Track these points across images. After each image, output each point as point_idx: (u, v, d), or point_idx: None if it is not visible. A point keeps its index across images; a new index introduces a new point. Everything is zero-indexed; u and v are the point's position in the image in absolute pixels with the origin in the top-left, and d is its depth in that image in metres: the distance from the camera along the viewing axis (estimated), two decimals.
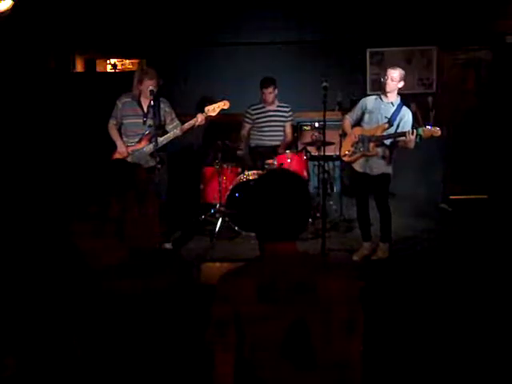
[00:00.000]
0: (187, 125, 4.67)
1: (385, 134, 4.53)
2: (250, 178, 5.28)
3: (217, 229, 5.30)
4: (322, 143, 4.75)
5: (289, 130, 5.85)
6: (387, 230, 4.69)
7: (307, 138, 6.14)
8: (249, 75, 6.29)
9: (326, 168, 5.28)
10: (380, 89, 4.79)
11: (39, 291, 1.48)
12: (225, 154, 5.57)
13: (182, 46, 6.97)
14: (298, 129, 6.64)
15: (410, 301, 3.72)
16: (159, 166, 4.37)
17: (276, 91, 5.70)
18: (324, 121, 4.52)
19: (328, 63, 6.68)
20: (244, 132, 5.90)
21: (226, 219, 5.32)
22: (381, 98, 4.60)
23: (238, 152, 5.82)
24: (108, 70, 7.85)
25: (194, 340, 1.54)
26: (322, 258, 3.51)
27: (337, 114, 5.90)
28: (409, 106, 4.66)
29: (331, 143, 5.40)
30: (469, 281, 4.07)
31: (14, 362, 1.43)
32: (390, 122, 4.51)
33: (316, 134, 5.61)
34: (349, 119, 4.79)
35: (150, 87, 4.43)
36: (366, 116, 4.66)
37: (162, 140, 4.60)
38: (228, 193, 5.30)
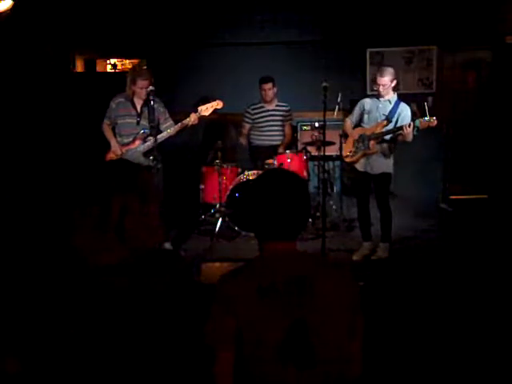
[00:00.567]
0: (180, 124, 4.69)
1: (383, 130, 4.55)
2: (250, 177, 5.29)
3: (217, 229, 5.30)
4: (322, 143, 4.76)
5: (288, 129, 5.86)
6: (387, 229, 4.70)
7: (307, 138, 6.14)
8: (249, 75, 6.29)
9: (326, 168, 5.28)
10: None
11: (38, 291, 1.48)
12: (225, 154, 5.58)
13: (181, 46, 6.98)
14: (297, 129, 6.65)
15: (410, 301, 3.72)
16: (159, 166, 4.39)
17: (275, 89, 5.70)
18: (324, 121, 4.53)
19: (328, 63, 6.68)
20: (244, 132, 5.91)
21: (226, 219, 5.32)
22: (377, 98, 4.62)
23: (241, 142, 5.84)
24: (108, 70, 7.85)
25: (193, 340, 1.54)
26: (321, 257, 3.52)
27: (337, 114, 5.89)
28: (406, 103, 4.66)
29: (331, 143, 5.40)
30: (469, 281, 4.07)
31: (16, 361, 1.43)
32: (389, 119, 4.54)
33: (316, 133, 5.61)
34: (349, 121, 4.83)
35: (150, 87, 4.43)
36: (365, 117, 4.70)
37: (155, 139, 4.63)
38: (228, 193, 5.31)
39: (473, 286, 3.96)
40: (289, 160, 5.35)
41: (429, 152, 6.64)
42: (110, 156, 4.68)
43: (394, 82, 4.55)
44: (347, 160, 4.86)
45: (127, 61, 7.76)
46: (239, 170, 5.59)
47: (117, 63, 7.83)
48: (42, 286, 1.49)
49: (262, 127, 5.79)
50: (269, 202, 1.59)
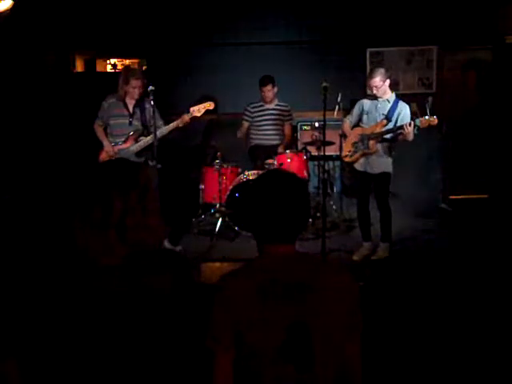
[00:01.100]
0: (173, 124, 4.70)
1: (383, 129, 4.55)
2: (250, 178, 5.28)
3: (217, 229, 5.30)
4: (322, 143, 4.76)
5: (288, 129, 5.86)
6: (387, 229, 4.69)
7: (307, 138, 6.14)
8: (249, 75, 6.29)
9: (326, 168, 5.28)
10: None
11: (38, 291, 1.48)
12: (225, 154, 5.58)
13: (181, 46, 6.97)
14: (297, 129, 6.65)
15: (410, 301, 3.72)
16: (159, 166, 4.39)
17: (275, 89, 5.70)
18: (324, 121, 4.52)
19: (328, 63, 6.68)
20: (243, 130, 5.90)
21: (226, 219, 5.32)
22: (376, 98, 4.62)
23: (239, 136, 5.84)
24: (108, 70, 7.85)
25: (193, 340, 1.54)
26: (321, 258, 3.52)
27: (337, 113, 5.90)
28: (404, 101, 4.67)
29: (331, 143, 5.40)
30: (469, 281, 4.06)
31: (15, 363, 1.43)
32: (388, 118, 4.54)
33: (316, 133, 5.61)
34: (348, 121, 4.83)
35: (150, 87, 4.44)
36: (364, 117, 4.70)
37: (148, 139, 4.64)
38: (228, 193, 5.30)
39: (473, 286, 3.96)
40: (289, 160, 5.35)
41: (429, 152, 6.64)
42: (103, 156, 4.70)
43: (387, 81, 4.55)
44: (346, 160, 4.86)
45: (127, 61, 7.76)
46: (239, 169, 5.59)
47: (117, 63, 7.83)
48: (42, 287, 1.49)
49: (260, 126, 5.80)
50: (267, 205, 1.58)
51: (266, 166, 5.39)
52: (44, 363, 1.42)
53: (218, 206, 5.43)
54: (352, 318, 1.54)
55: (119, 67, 7.79)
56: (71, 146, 6.33)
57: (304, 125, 6.63)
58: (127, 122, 4.71)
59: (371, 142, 4.58)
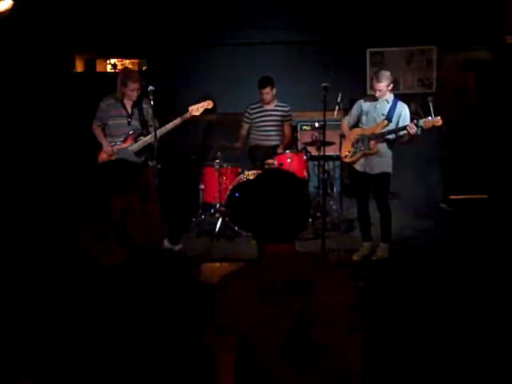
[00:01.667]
0: (171, 124, 4.70)
1: (385, 130, 4.54)
2: (250, 177, 5.28)
3: (217, 229, 5.30)
4: (322, 143, 4.75)
5: (287, 130, 5.85)
6: (387, 229, 4.69)
7: (307, 138, 6.14)
8: (249, 75, 6.29)
9: (326, 168, 5.27)
10: None
11: (38, 292, 1.48)
12: (225, 153, 5.58)
13: (181, 46, 6.97)
14: (297, 129, 6.65)
15: (410, 301, 3.72)
16: (159, 166, 4.40)
17: (274, 90, 5.70)
18: (324, 121, 4.52)
19: (328, 63, 6.68)
20: (243, 131, 5.91)
21: (226, 219, 5.32)
22: (375, 98, 4.63)
23: (237, 146, 5.82)
24: (108, 70, 7.85)
25: (194, 340, 1.54)
26: (321, 258, 3.51)
27: (337, 114, 5.89)
28: (403, 101, 4.66)
29: (331, 143, 5.40)
30: (469, 281, 4.06)
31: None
32: (389, 119, 4.53)
33: (316, 133, 5.61)
34: (346, 122, 4.83)
35: (150, 87, 4.44)
36: (363, 117, 4.69)
37: (146, 139, 4.65)
38: (228, 193, 5.30)
39: (473, 285, 3.96)
40: (289, 160, 5.35)
41: (429, 152, 6.64)
42: (102, 157, 4.70)
43: (391, 85, 4.55)
44: (346, 160, 4.86)
45: (127, 61, 7.76)
46: (239, 169, 5.59)
47: (117, 63, 7.83)
48: (43, 288, 1.49)
49: (259, 127, 5.80)
50: (266, 204, 1.58)
51: (266, 166, 5.39)
52: (55, 375, 1.42)
53: (218, 205, 5.43)
54: (352, 318, 1.54)
55: (119, 67, 7.79)
56: (71, 146, 6.33)
57: (304, 125, 6.63)
58: (126, 122, 4.71)
59: (372, 143, 4.58)
